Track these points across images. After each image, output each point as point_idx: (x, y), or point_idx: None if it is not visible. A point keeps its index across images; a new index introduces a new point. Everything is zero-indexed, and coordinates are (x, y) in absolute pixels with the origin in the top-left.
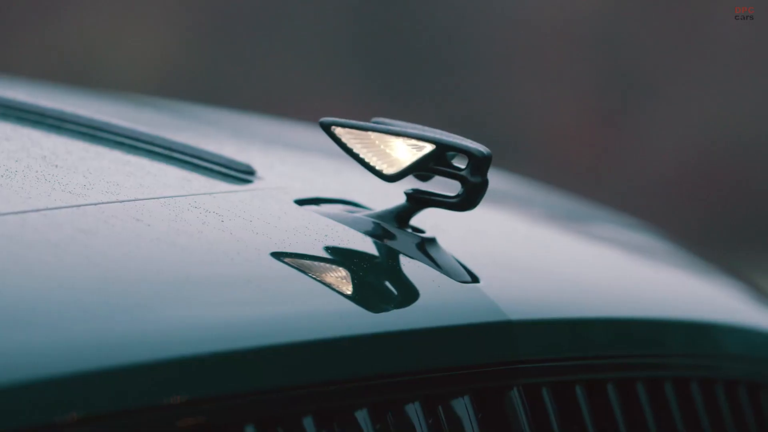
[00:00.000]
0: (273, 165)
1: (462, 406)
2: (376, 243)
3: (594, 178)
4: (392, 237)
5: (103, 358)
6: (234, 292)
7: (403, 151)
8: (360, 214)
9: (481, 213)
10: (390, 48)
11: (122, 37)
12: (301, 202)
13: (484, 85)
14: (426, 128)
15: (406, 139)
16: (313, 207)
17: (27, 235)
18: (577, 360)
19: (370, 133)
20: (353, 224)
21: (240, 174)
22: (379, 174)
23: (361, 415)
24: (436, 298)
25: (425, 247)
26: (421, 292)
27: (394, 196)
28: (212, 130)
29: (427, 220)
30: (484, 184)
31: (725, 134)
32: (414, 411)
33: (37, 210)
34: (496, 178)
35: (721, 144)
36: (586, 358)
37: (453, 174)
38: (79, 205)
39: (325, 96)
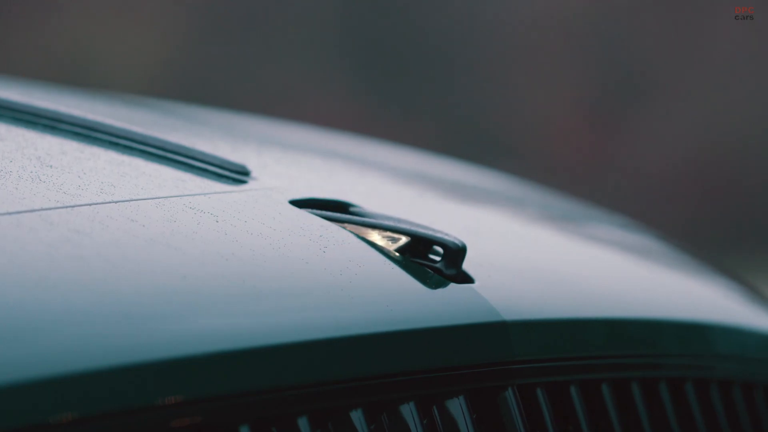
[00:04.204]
0: (268, 165)
1: (457, 407)
2: (370, 243)
3: (591, 177)
4: None
5: (98, 358)
6: (229, 293)
7: (379, 243)
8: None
9: (476, 213)
10: (387, 47)
11: (117, 36)
12: (296, 203)
13: (481, 84)
14: (401, 219)
15: (381, 231)
16: (308, 207)
17: (21, 235)
18: (572, 360)
19: (345, 224)
20: (348, 224)
21: (235, 174)
22: None
23: (356, 416)
24: (431, 299)
25: None
26: (416, 292)
27: (391, 196)
28: (207, 130)
29: (421, 220)
30: (459, 276)
31: (724, 133)
32: (409, 411)
33: (32, 210)
34: (490, 179)
35: (721, 143)
36: (581, 359)
37: (428, 266)
38: (73, 206)
39: (324, 96)
